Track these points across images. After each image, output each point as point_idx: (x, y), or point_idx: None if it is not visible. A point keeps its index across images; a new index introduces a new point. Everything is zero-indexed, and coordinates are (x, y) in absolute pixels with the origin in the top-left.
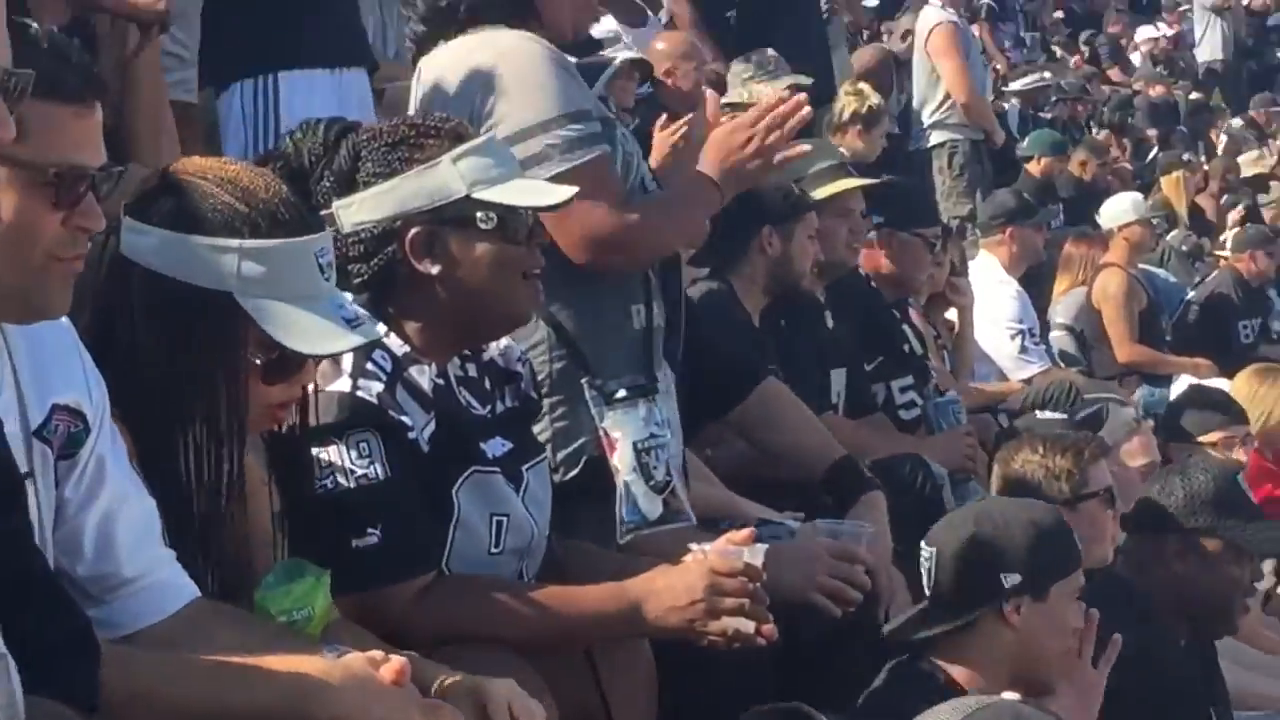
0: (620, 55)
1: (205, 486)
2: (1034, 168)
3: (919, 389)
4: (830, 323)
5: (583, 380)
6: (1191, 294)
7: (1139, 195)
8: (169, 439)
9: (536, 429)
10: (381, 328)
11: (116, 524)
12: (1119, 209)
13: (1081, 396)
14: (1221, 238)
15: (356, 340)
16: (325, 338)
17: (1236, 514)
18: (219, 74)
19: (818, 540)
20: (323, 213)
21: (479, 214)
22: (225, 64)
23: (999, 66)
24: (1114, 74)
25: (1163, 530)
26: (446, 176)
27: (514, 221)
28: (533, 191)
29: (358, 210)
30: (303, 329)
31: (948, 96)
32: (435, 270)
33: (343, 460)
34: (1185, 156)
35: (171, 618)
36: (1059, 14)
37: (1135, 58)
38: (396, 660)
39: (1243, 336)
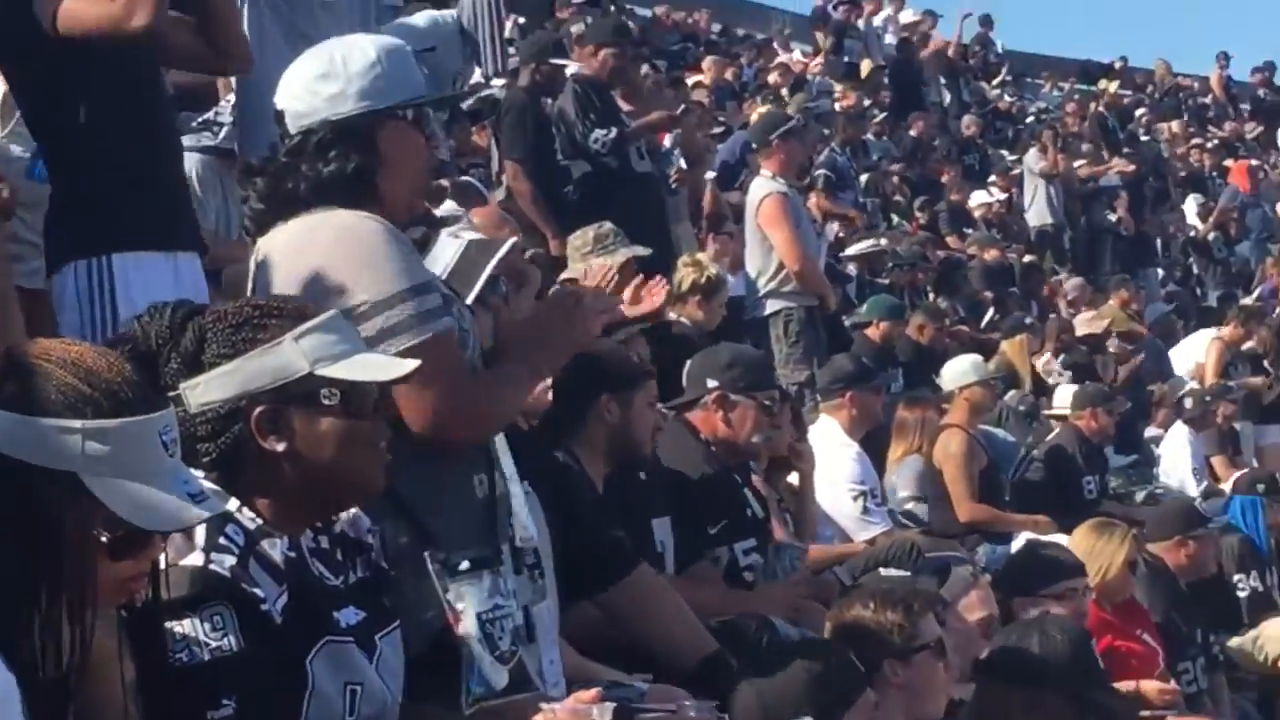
0: (467, 236)
1: (56, 663)
2: (873, 332)
3: (761, 551)
4: (641, 473)
5: (426, 553)
6: (1034, 451)
7: (979, 357)
8: (17, 618)
9: (386, 602)
10: (234, 502)
11: None
12: (959, 370)
13: (923, 555)
14: (1055, 399)
15: (200, 515)
16: (169, 513)
17: (1089, 678)
18: (54, 256)
19: (692, 717)
20: (170, 394)
21: (323, 390)
22: (60, 245)
23: (844, 228)
24: (952, 240)
25: (1015, 683)
26: (289, 355)
27: (358, 396)
28: (376, 366)
29: (204, 391)
30: (147, 505)
31: (781, 266)
32: (281, 447)
33: (197, 633)
34: (1028, 320)
35: None
36: (896, 179)
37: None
38: None
39: (1086, 493)
